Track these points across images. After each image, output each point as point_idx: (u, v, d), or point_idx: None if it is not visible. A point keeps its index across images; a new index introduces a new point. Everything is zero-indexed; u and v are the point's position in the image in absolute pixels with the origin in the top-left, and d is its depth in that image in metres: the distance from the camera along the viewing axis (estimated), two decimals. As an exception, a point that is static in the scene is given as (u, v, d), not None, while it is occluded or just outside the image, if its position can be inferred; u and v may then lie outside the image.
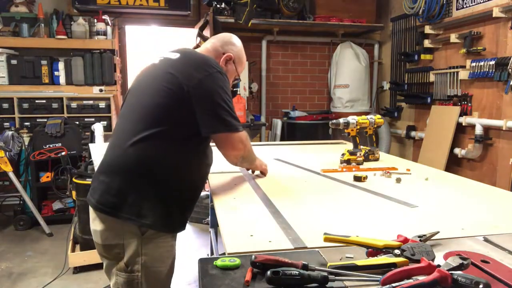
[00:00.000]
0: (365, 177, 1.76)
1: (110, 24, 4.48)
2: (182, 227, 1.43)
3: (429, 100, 4.18)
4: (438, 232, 1.05)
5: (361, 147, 2.19)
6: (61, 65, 4.35)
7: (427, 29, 4.11)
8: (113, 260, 1.36)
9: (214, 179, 1.77)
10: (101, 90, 4.45)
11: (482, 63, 3.42)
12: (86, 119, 4.34)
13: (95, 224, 1.37)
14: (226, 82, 1.45)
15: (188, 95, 1.34)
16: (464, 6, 3.72)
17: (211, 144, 1.52)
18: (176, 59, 1.45)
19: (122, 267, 1.33)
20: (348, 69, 4.94)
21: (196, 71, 1.38)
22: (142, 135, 1.32)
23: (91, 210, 1.40)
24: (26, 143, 4.05)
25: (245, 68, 4.63)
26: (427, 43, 4.18)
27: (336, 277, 0.83)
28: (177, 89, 1.35)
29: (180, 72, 1.38)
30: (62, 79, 4.37)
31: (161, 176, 1.34)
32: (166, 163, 1.35)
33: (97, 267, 3.01)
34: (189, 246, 3.60)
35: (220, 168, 1.85)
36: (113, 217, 1.31)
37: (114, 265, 1.36)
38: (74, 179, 3.13)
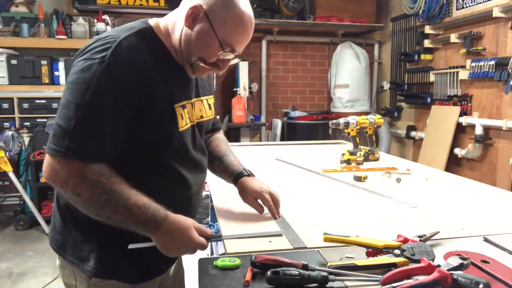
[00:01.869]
0: (365, 177, 1.76)
1: (110, 24, 4.47)
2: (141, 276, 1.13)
3: (429, 100, 4.18)
4: (438, 232, 1.05)
5: (361, 147, 2.19)
6: (61, 65, 4.35)
7: (427, 29, 4.11)
8: None
9: (213, 179, 1.76)
10: (101, 90, 4.44)
11: (482, 63, 3.42)
12: (86, 119, 4.34)
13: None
14: (87, 71, 0.90)
15: None
16: (464, 6, 3.72)
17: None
18: None
19: None
20: (348, 69, 4.93)
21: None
22: None
23: None
24: (26, 143, 4.05)
25: (245, 67, 4.71)
26: (427, 43, 4.18)
27: (336, 277, 0.83)
28: None
29: None
30: (62, 79, 4.36)
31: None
32: None
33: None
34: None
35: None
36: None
37: None
38: (74, 179, 3.13)
